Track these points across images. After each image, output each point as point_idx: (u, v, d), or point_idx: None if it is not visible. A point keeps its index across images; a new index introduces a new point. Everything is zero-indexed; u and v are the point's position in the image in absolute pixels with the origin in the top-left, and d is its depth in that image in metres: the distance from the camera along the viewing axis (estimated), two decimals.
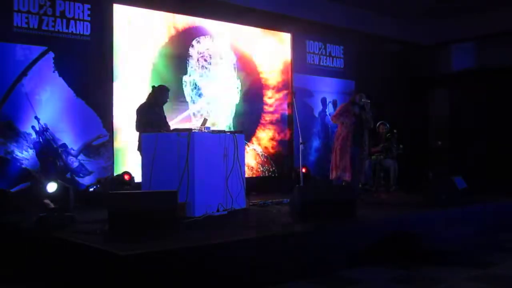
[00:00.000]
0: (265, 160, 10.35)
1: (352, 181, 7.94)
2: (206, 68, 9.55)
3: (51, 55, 7.78)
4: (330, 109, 11.27)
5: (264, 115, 10.39)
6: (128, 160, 8.32)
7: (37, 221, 5.34)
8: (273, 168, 10.46)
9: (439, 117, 12.28)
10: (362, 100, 8.21)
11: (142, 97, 7.43)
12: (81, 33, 8.05)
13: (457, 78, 12.01)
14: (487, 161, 10.86)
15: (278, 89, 10.62)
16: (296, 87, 10.73)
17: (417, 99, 12.09)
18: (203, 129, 6.63)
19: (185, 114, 9.13)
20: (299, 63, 10.93)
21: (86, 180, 7.99)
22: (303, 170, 8.66)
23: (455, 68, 12.26)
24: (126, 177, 7.84)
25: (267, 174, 10.34)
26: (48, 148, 7.69)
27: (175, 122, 8.73)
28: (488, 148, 11.11)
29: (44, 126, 7.64)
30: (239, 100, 9.97)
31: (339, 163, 8.05)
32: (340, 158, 8.06)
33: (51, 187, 6.23)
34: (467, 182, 7.68)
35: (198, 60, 9.43)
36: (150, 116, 7.05)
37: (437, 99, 12.34)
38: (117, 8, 8.42)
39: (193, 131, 6.36)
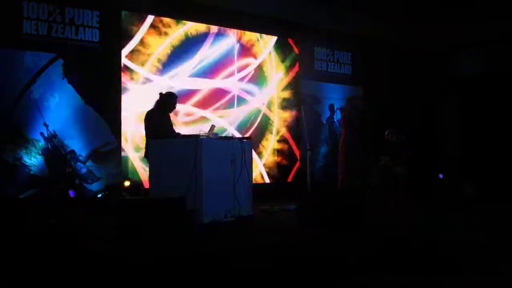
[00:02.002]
0: (272, 166, 10.32)
1: (361, 187, 7.93)
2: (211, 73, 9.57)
3: (60, 61, 7.82)
4: (338, 115, 11.24)
5: (272, 121, 10.38)
6: (136, 166, 8.34)
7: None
8: (281, 174, 10.44)
9: (449, 122, 12.23)
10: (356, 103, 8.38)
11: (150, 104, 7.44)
12: (90, 39, 8.09)
13: (466, 83, 11.96)
14: (497, 167, 10.78)
15: (286, 96, 10.61)
16: (304, 93, 10.73)
17: (426, 104, 12.04)
18: (211, 135, 6.62)
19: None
20: (307, 70, 10.93)
21: (94, 186, 8.01)
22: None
23: (464, 73, 12.21)
24: (134, 183, 7.84)
25: (274, 181, 10.32)
26: (57, 155, 7.71)
27: None
28: (498, 153, 11.04)
29: (52, 133, 7.67)
30: (247, 106, 9.99)
31: (347, 169, 8.05)
32: (348, 164, 8.05)
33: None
34: (477, 188, 7.64)
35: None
36: (159, 122, 7.05)
37: (447, 104, 12.28)
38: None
39: (200, 137, 6.36)
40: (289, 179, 10.50)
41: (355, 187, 7.99)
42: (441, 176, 10.34)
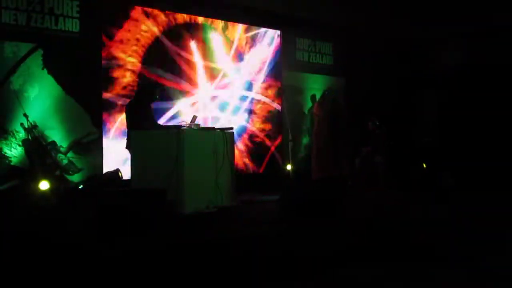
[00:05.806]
0: (255, 157, 10.34)
1: (340, 178, 7.99)
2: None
3: (40, 52, 7.74)
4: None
5: (253, 112, 10.39)
6: (118, 157, 8.30)
7: None
8: (263, 165, 10.47)
9: (428, 114, 12.34)
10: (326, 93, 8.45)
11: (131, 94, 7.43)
12: (70, 30, 8.01)
13: (447, 75, 12.07)
14: (474, 157, 10.91)
15: (267, 86, 10.62)
16: (285, 84, 10.74)
17: (406, 95, 12.14)
18: (193, 126, 6.62)
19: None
20: (289, 60, 10.94)
21: (75, 178, 7.97)
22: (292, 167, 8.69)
23: (445, 65, 12.31)
24: (115, 174, 7.81)
25: (256, 172, 10.34)
26: (37, 146, 7.65)
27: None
28: (475, 145, 11.17)
29: (33, 124, 7.60)
30: (230, 98, 9.98)
31: (324, 161, 8.10)
32: (325, 156, 8.10)
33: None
34: (454, 179, 7.74)
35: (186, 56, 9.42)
36: (140, 113, 7.02)
37: (427, 96, 12.39)
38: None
39: (182, 128, 6.36)
40: (271, 170, 10.52)
41: (329, 177, 8.03)
42: (423, 165, 10.44)
